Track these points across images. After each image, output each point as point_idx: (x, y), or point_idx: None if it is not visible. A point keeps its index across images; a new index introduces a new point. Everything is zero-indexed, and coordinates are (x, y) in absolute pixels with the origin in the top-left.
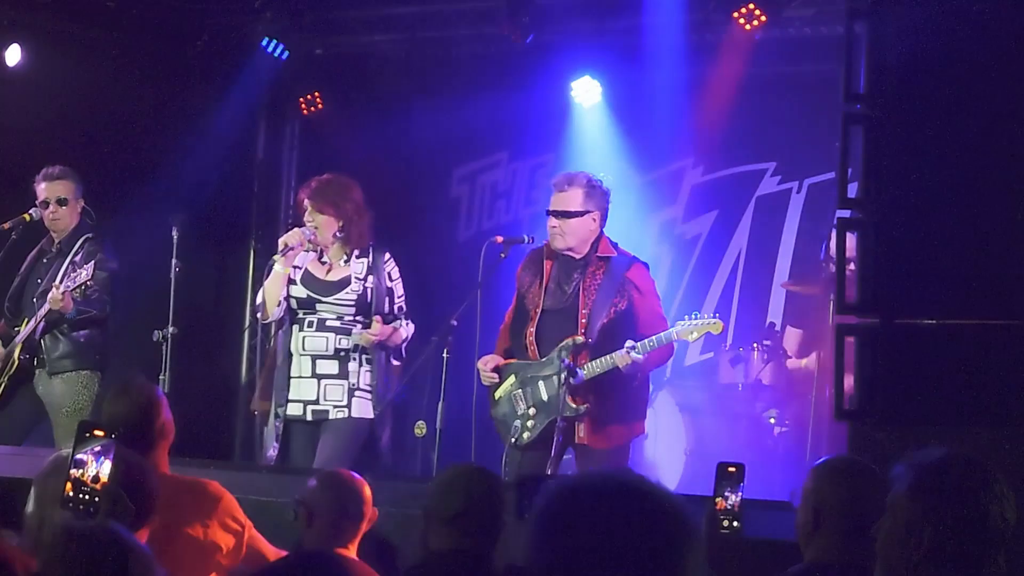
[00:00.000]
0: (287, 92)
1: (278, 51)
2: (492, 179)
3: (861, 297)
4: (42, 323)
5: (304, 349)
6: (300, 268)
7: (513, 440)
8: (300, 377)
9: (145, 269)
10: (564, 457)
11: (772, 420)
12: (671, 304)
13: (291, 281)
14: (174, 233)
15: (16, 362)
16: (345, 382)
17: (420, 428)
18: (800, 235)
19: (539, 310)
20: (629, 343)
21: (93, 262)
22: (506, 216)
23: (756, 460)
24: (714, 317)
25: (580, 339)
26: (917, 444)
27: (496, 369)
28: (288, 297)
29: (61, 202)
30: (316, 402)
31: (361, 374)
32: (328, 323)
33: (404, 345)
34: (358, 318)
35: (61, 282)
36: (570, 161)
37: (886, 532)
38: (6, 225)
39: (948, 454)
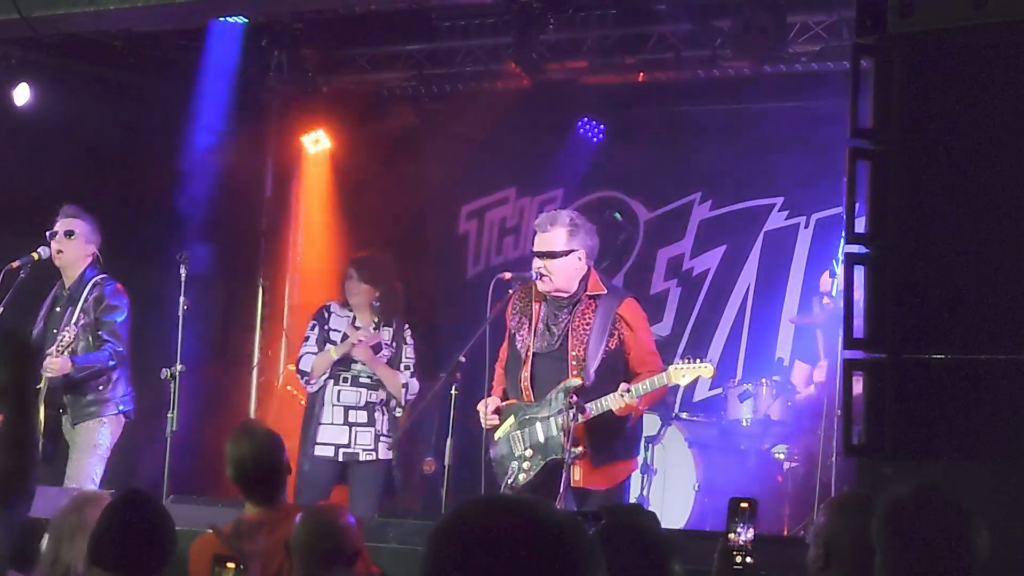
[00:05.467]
0: (294, 130)
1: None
2: (500, 215)
3: (869, 332)
4: (59, 379)
5: (338, 401)
6: (339, 331)
7: (509, 482)
8: (332, 424)
9: (153, 307)
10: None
11: (781, 455)
12: (680, 340)
13: (330, 341)
14: (182, 271)
15: (43, 422)
16: (372, 429)
17: (429, 465)
18: (808, 270)
19: (530, 353)
20: (623, 386)
21: (75, 323)
22: (514, 252)
23: (765, 495)
24: (707, 362)
25: (577, 381)
26: (925, 478)
27: (496, 411)
28: None
29: (68, 234)
30: (348, 446)
31: (383, 422)
32: (361, 380)
33: (407, 397)
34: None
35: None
36: (577, 197)
37: (876, 567)
38: (14, 264)
39: (912, 490)
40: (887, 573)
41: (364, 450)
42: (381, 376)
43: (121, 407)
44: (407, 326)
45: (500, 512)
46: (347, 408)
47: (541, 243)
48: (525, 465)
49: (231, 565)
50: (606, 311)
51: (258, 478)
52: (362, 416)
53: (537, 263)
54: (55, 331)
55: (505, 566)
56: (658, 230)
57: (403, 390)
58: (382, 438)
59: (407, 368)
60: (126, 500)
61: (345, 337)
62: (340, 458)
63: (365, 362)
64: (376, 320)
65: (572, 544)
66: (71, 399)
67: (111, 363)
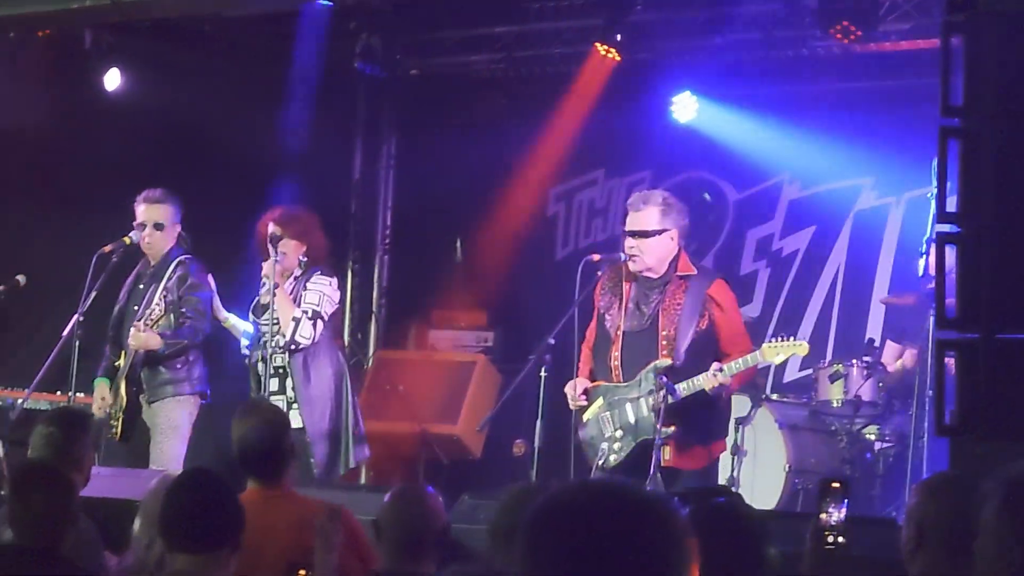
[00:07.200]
0: (383, 113)
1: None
2: (589, 197)
3: (961, 312)
4: (140, 356)
5: (259, 371)
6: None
7: (600, 463)
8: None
9: (243, 289)
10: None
11: (872, 436)
12: (769, 321)
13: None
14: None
15: (125, 399)
16: (284, 397)
17: (519, 447)
18: (899, 250)
19: (620, 332)
20: (715, 365)
21: (162, 298)
22: (603, 234)
23: (857, 476)
24: (801, 339)
25: (667, 361)
26: (1019, 459)
27: (584, 392)
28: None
29: (158, 226)
30: None
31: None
32: (267, 344)
33: (294, 336)
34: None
35: (142, 317)
36: (667, 178)
37: (981, 551)
38: (107, 248)
39: None
40: (1009, 556)
41: None
42: (278, 303)
43: (197, 387)
44: (320, 274)
45: (596, 495)
46: (266, 376)
47: (633, 222)
48: (616, 446)
49: (302, 573)
50: (697, 292)
51: (257, 456)
52: (274, 384)
53: (629, 242)
54: (136, 307)
55: (601, 548)
56: (747, 211)
57: (292, 324)
58: (294, 406)
59: (305, 313)
60: (183, 481)
61: (258, 301)
62: None
63: (269, 277)
64: (296, 277)
65: (667, 525)
66: (147, 376)
67: (197, 339)
